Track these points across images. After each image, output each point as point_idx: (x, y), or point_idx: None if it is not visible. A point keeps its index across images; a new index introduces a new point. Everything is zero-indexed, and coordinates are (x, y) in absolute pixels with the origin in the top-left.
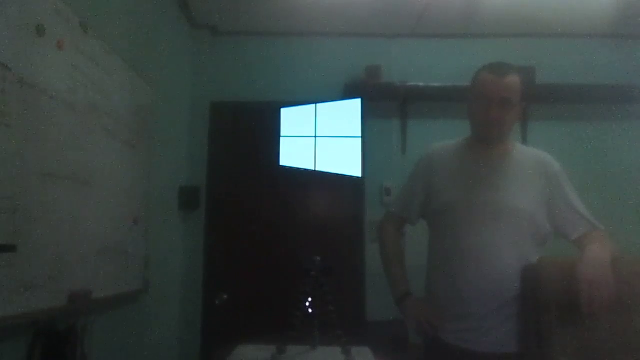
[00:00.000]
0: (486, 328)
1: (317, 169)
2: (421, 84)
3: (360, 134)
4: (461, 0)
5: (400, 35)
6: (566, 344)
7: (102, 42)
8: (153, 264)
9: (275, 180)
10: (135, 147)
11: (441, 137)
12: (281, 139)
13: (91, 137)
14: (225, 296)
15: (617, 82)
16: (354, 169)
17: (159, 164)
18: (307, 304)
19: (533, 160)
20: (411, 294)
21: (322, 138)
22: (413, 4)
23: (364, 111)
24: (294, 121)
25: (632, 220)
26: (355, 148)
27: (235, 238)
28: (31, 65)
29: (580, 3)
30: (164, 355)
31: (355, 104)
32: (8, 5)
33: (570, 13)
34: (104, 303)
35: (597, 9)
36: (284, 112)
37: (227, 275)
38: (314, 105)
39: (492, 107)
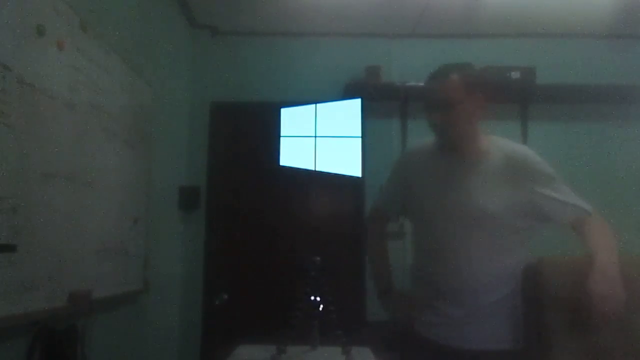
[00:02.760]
0: (462, 326)
1: (317, 169)
2: (421, 84)
3: (360, 134)
4: (461, 0)
5: (400, 35)
6: (567, 343)
7: (102, 42)
8: (153, 264)
9: (275, 180)
10: (135, 147)
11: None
12: (281, 139)
13: (91, 137)
14: (225, 296)
15: (617, 82)
16: (354, 169)
17: (159, 164)
18: (307, 303)
19: (504, 158)
20: (392, 288)
21: (322, 138)
22: (413, 4)
23: (364, 111)
24: (294, 121)
25: (632, 220)
26: (355, 148)
27: (235, 238)
28: (31, 65)
29: (580, 3)
30: (164, 355)
31: (355, 104)
32: (8, 5)
33: (570, 13)
34: (104, 303)
35: (597, 9)
36: (284, 112)
37: (227, 275)
38: (314, 105)
39: (432, 112)
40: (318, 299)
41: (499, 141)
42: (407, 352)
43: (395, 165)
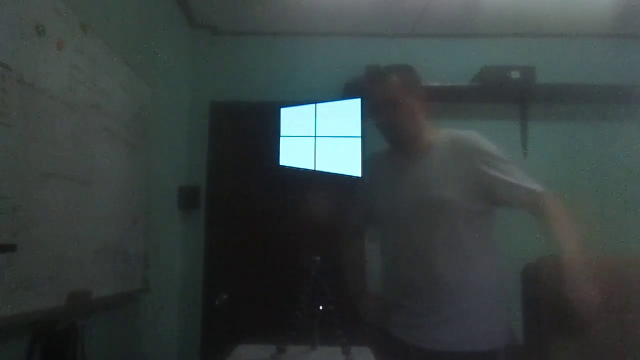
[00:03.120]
0: (431, 325)
1: (317, 169)
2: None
3: (360, 134)
4: (461, 0)
5: (400, 35)
6: (567, 343)
7: (102, 42)
8: (153, 264)
9: (275, 180)
10: (135, 147)
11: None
12: (281, 139)
13: (91, 137)
14: (226, 296)
15: (617, 82)
16: (354, 169)
17: (159, 164)
18: (307, 304)
19: (451, 144)
20: (365, 290)
21: (322, 138)
22: (413, 4)
23: (364, 111)
24: (294, 121)
25: (632, 220)
26: (355, 148)
27: (235, 238)
28: (31, 65)
29: (580, 3)
30: (164, 355)
31: (355, 104)
32: (8, 5)
33: (570, 13)
34: (104, 303)
35: (597, 9)
36: (284, 112)
37: (227, 275)
38: (314, 105)
39: (379, 112)
40: (318, 299)
41: (446, 131)
42: (380, 353)
43: (359, 178)
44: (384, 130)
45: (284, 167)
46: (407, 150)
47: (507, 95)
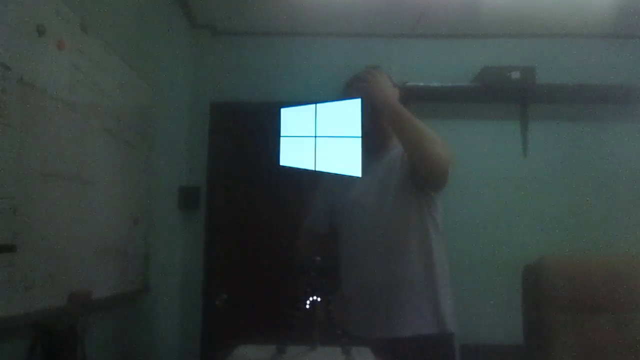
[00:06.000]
0: (383, 312)
1: (317, 169)
2: (421, 84)
3: (360, 134)
4: (461, 0)
5: (400, 35)
6: (568, 341)
7: (102, 42)
8: (153, 264)
9: (275, 180)
10: (135, 147)
11: (441, 137)
12: (281, 139)
13: (91, 137)
14: (225, 296)
15: (617, 82)
16: (354, 169)
17: (159, 164)
18: (307, 304)
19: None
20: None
21: (322, 138)
22: (413, 4)
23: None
24: (294, 121)
25: (632, 219)
26: (355, 148)
27: (235, 238)
28: (31, 65)
29: (580, 3)
30: (164, 356)
31: (355, 104)
32: (8, 5)
33: (570, 13)
34: (104, 303)
35: (597, 9)
36: (284, 112)
37: (227, 275)
38: (314, 105)
39: (367, 115)
40: (318, 299)
41: None
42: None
43: (321, 181)
44: (371, 132)
45: (284, 167)
46: (376, 150)
47: (507, 95)
